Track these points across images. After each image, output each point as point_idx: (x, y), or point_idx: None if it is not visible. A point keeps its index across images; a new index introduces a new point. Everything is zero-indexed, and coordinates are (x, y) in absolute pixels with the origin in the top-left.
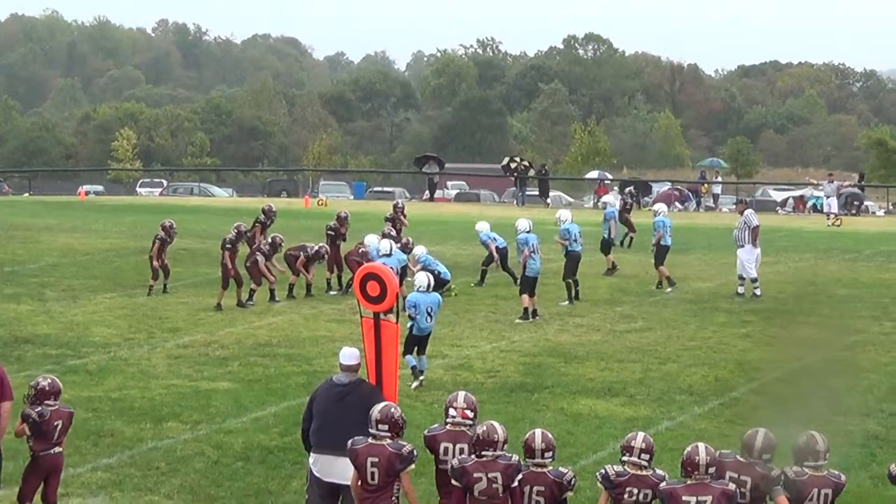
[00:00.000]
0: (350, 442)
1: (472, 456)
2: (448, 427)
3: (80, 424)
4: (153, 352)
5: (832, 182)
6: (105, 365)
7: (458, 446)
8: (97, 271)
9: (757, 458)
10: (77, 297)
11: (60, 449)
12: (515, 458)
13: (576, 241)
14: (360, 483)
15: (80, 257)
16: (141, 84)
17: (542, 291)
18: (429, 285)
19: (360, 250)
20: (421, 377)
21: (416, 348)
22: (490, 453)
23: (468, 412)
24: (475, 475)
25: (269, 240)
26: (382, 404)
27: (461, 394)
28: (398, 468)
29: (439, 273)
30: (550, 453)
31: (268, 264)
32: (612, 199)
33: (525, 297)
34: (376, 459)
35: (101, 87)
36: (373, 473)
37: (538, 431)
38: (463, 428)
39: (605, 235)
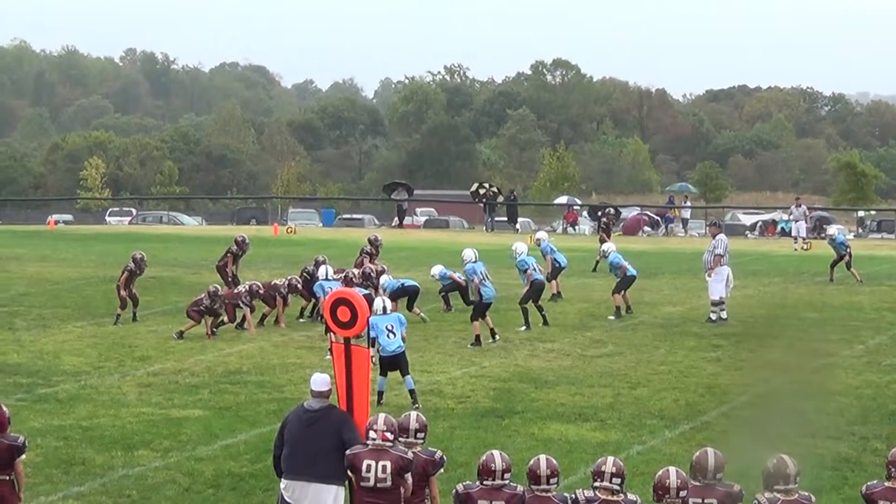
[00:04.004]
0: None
1: (477, 483)
2: (371, 446)
3: (50, 453)
4: (123, 380)
5: (800, 206)
6: (75, 393)
7: (380, 464)
8: (67, 300)
9: (712, 478)
10: (47, 325)
11: (6, 477)
12: (520, 488)
13: (535, 270)
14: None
15: (50, 286)
16: (109, 113)
17: (507, 318)
18: (384, 308)
19: None
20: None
21: (389, 371)
22: (490, 482)
23: (388, 434)
24: (479, 502)
25: (248, 288)
26: (415, 414)
27: (381, 416)
28: (430, 473)
29: (403, 284)
30: (555, 479)
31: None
32: (545, 236)
33: (476, 323)
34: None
35: (69, 117)
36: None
37: (542, 457)
38: (386, 447)
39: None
